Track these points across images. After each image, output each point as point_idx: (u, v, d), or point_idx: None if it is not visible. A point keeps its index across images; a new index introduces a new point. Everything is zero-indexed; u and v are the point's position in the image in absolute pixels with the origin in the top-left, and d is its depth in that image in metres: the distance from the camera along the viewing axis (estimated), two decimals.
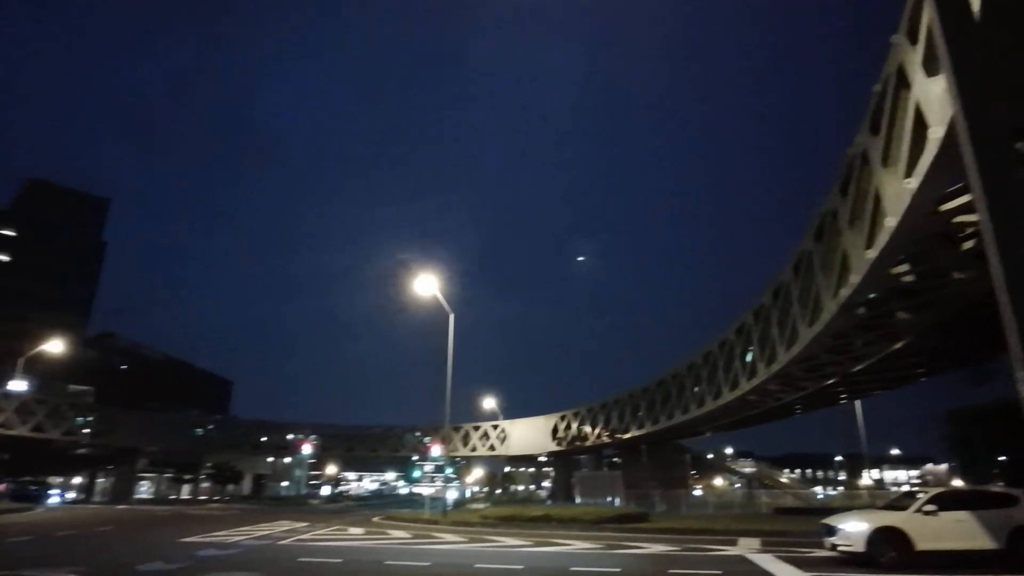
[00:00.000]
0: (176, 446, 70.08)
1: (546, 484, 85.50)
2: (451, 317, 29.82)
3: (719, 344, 34.45)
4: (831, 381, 29.24)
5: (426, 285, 28.55)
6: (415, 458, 35.22)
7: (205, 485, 75.80)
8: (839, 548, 12.28)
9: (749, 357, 30.17)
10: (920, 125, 10.83)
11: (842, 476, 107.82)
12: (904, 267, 15.82)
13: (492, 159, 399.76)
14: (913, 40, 10.96)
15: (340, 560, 12.92)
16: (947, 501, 12.15)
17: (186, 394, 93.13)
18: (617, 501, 39.73)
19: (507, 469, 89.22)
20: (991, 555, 11.32)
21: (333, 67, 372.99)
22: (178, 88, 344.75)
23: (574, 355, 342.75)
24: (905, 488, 60.83)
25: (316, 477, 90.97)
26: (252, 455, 77.78)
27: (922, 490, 14.32)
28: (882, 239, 13.61)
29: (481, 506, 43.42)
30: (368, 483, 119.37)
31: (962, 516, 11.76)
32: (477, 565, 12.46)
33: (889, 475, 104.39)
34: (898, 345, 22.20)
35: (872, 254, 14.39)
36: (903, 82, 11.78)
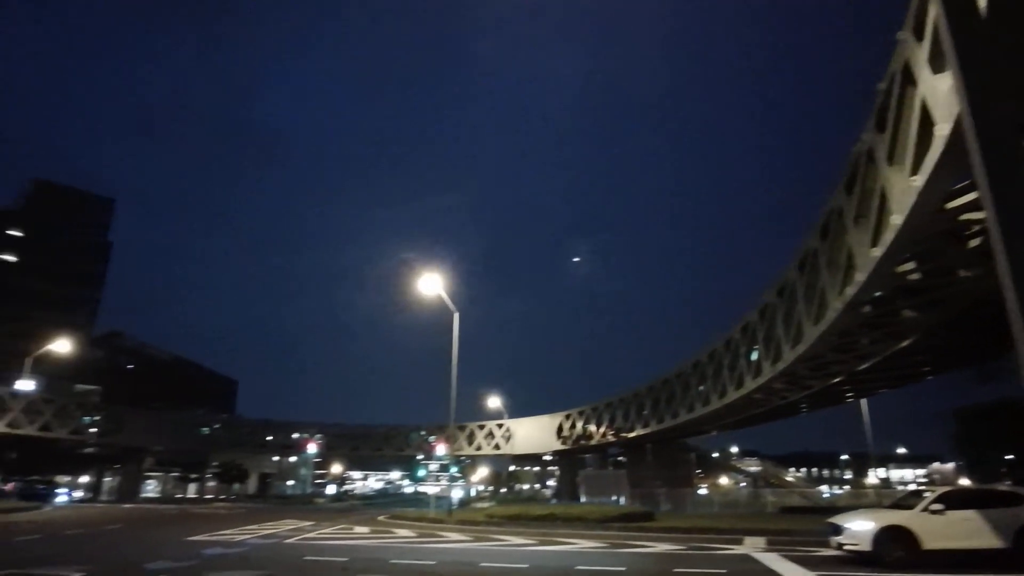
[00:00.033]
0: (182, 445, 70.35)
1: (551, 483, 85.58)
2: (456, 316, 29.86)
3: (724, 343, 34.37)
4: (837, 380, 29.13)
5: (430, 284, 28.60)
6: (420, 457, 35.30)
7: (211, 484, 76.20)
8: (845, 547, 12.24)
9: (754, 356, 30.08)
10: (926, 122, 10.77)
11: (848, 475, 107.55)
12: (910, 265, 15.73)
13: (492, 159, 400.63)
14: (919, 37, 10.90)
15: (346, 559, 12.95)
16: (954, 500, 12.11)
17: (192, 393, 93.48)
18: (622, 500, 39.71)
19: (512, 468, 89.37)
20: (998, 554, 11.27)
21: (333, 67, 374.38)
22: (180, 88, 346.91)
23: (575, 354, 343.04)
24: (912, 487, 60.62)
25: (321, 476, 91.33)
26: (258, 454, 78.05)
27: (929, 489, 14.27)
28: (888, 237, 13.55)
29: (486, 505, 43.46)
30: (373, 482, 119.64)
31: (969, 515, 11.71)
32: (483, 564, 12.47)
33: (895, 474, 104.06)
34: (904, 343, 22.09)
35: (878, 252, 14.33)
36: (909, 79, 11.72)
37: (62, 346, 46.54)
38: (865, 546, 11.81)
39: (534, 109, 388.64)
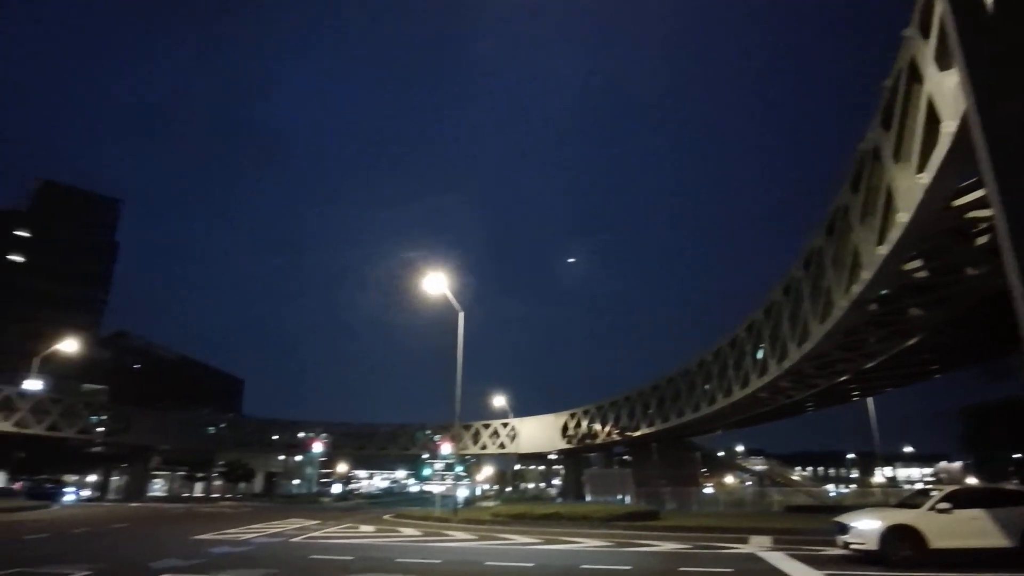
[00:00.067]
0: (189, 444, 70.64)
1: (556, 482, 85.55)
2: (460, 315, 29.87)
3: (729, 341, 34.30)
4: (843, 378, 29.03)
5: (435, 283, 28.61)
6: (425, 456, 35.34)
7: (217, 483, 76.44)
8: (852, 546, 12.21)
9: (760, 354, 30.01)
10: (932, 120, 10.72)
11: (854, 474, 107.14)
12: (917, 263, 15.66)
13: (493, 158, 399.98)
14: (925, 34, 10.84)
15: (351, 557, 12.99)
16: (961, 499, 12.06)
17: (198, 393, 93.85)
18: (627, 499, 39.74)
19: (517, 467, 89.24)
20: (1006, 553, 11.22)
21: (334, 67, 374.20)
22: (181, 88, 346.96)
23: (576, 354, 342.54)
24: (919, 486, 60.41)
25: (327, 475, 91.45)
26: (263, 453, 78.31)
27: (936, 488, 14.21)
28: (894, 235, 13.50)
29: (491, 504, 43.50)
30: (379, 481, 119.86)
31: (976, 514, 11.67)
32: (488, 563, 12.49)
33: (902, 473, 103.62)
34: (911, 342, 21.99)
35: (884, 250, 14.27)
36: (915, 76, 11.66)
37: (69, 346, 46.78)
38: (872, 545, 11.78)
39: (534, 109, 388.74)
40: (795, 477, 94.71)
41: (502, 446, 68.76)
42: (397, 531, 20.42)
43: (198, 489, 75.97)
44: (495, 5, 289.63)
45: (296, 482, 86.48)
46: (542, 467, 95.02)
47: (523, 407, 67.28)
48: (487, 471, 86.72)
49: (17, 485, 47.45)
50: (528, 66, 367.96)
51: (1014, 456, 40.35)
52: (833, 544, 13.09)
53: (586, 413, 60.29)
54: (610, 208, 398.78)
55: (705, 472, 75.93)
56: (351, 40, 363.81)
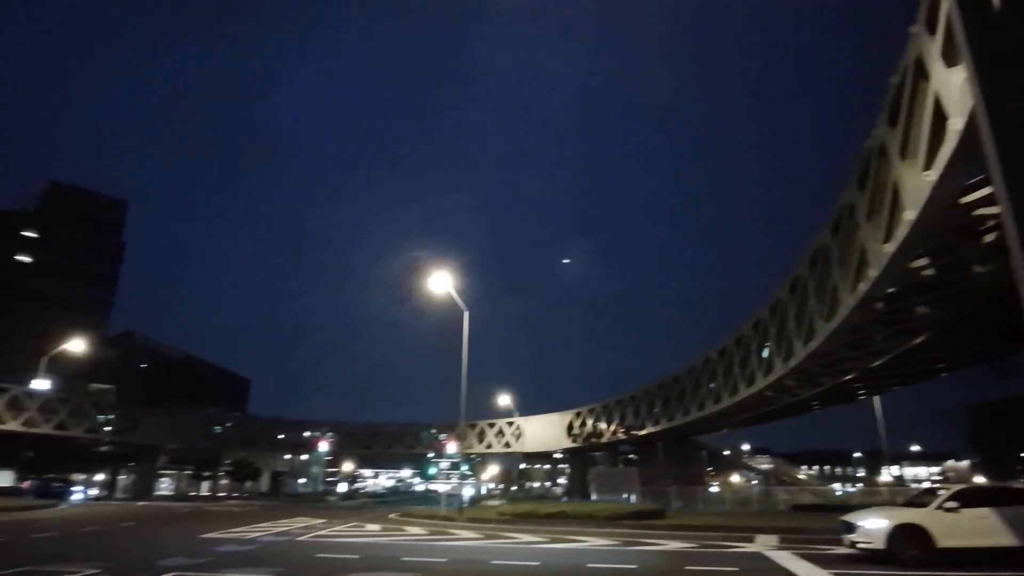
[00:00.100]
0: (195, 443, 70.97)
1: (561, 481, 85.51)
2: (466, 314, 29.89)
3: (735, 340, 34.23)
4: (849, 377, 28.93)
5: (440, 282, 28.63)
6: (431, 455, 35.42)
7: (224, 482, 76.78)
8: (859, 545, 12.16)
9: (766, 353, 29.94)
10: (939, 117, 10.67)
11: (861, 473, 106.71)
12: (923, 261, 15.59)
13: (493, 159, 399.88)
14: (932, 30, 10.79)
15: (357, 556, 13.02)
16: (969, 498, 12.00)
17: (205, 392, 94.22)
18: (633, 498, 39.67)
19: (522, 466, 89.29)
20: (1014, 552, 11.15)
21: (334, 67, 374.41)
22: (183, 89, 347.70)
23: (577, 353, 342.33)
24: (926, 485, 60.11)
25: (333, 474, 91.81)
26: (270, 452, 78.61)
27: (943, 487, 14.14)
28: (901, 233, 13.44)
29: (497, 503, 43.53)
30: (384, 480, 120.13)
31: (984, 513, 11.60)
32: (493, 561, 12.51)
33: (909, 471, 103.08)
34: (918, 340, 21.89)
35: (890, 248, 14.22)
36: (921, 73, 11.60)
37: (77, 346, 47.07)
38: (879, 544, 11.73)
39: (534, 109, 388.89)
40: (801, 476, 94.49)
41: (507, 445, 68.80)
42: (403, 530, 20.47)
43: (204, 488, 76.26)
44: (495, 5, 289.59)
45: (302, 481, 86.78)
46: (547, 466, 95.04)
47: (528, 406, 67.37)
48: (492, 470, 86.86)
49: (25, 484, 47.78)
50: (528, 66, 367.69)
51: (1022, 455, 40.09)
52: (840, 543, 13.04)
53: (591, 412, 60.27)
54: (610, 208, 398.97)
55: (711, 471, 75.82)
56: (351, 40, 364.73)
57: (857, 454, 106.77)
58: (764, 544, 15.56)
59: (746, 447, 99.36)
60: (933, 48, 10.68)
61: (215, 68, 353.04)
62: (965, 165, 10.54)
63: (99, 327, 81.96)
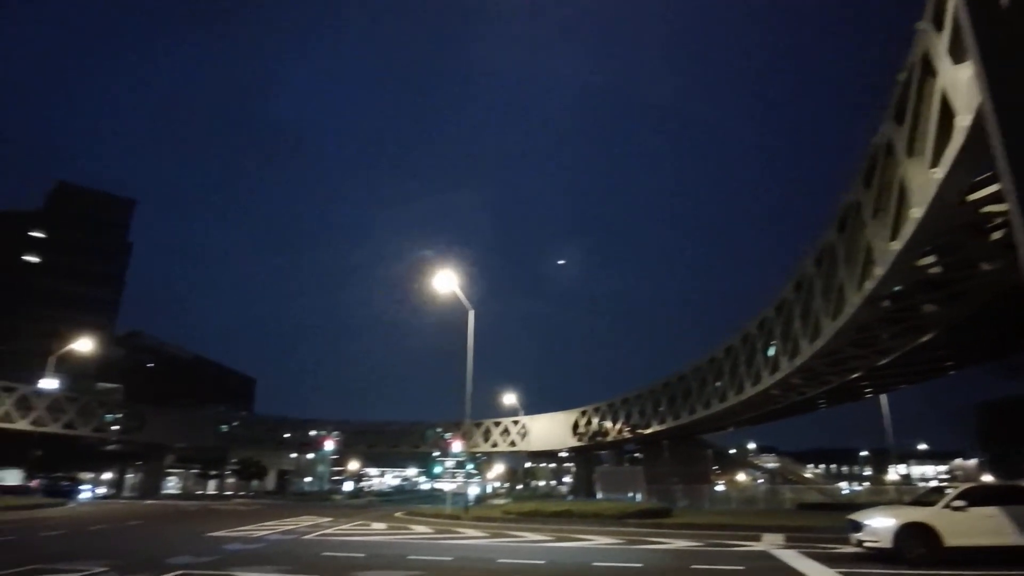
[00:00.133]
0: (202, 442, 71.26)
1: (567, 480, 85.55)
2: (471, 313, 29.90)
3: (741, 338, 34.15)
4: (856, 375, 28.83)
5: (445, 281, 28.64)
6: (436, 454, 35.48)
7: (230, 481, 77.14)
8: (865, 544, 12.13)
9: (771, 351, 29.86)
10: (946, 114, 10.61)
11: (868, 471, 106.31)
12: (930, 259, 15.51)
13: (493, 159, 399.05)
14: (939, 27, 10.73)
15: (363, 555, 13.06)
16: (977, 496, 11.94)
17: (211, 391, 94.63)
18: (639, 496, 39.68)
19: (528, 465, 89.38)
20: (1023, 551, 11.10)
21: (335, 67, 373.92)
22: (187, 89, 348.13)
23: (577, 353, 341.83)
24: (933, 483, 59.80)
25: (338, 473, 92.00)
26: (276, 451, 78.86)
27: (951, 485, 14.08)
28: (907, 230, 13.38)
29: (502, 502, 43.58)
30: (390, 479, 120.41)
31: (992, 512, 11.53)
32: (499, 560, 12.52)
33: (916, 470, 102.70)
34: (925, 338, 21.79)
35: (897, 246, 14.15)
36: (928, 70, 11.54)
37: (84, 345, 47.32)
38: (886, 543, 11.69)
39: (534, 109, 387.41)
40: (807, 475, 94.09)
41: (513, 444, 68.84)
42: (409, 528, 20.51)
43: (211, 487, 76.64)
44: (495, 5, 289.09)
45: (308, 480, 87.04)
46: (553, 465, 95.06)
47: (530, 405, 67.36)
48: (498, 469, 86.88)
49: (34, 483, 48.02)
50: (528, 66, 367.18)
51: None
52: (846, 542, 13.01)
53: (597, 411, 60.24)
54: (610, 208, 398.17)
55: (717, 469, 75.65)
56: (352, 40, 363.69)
57: (864, 452, 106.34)
58: (770, 543, 15.52)
59: (752, 446, 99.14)
60: (940, 45, 10.62)
61: (215, 68, 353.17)
62: (972, 162, 10.47)
63: (106, 327, 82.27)
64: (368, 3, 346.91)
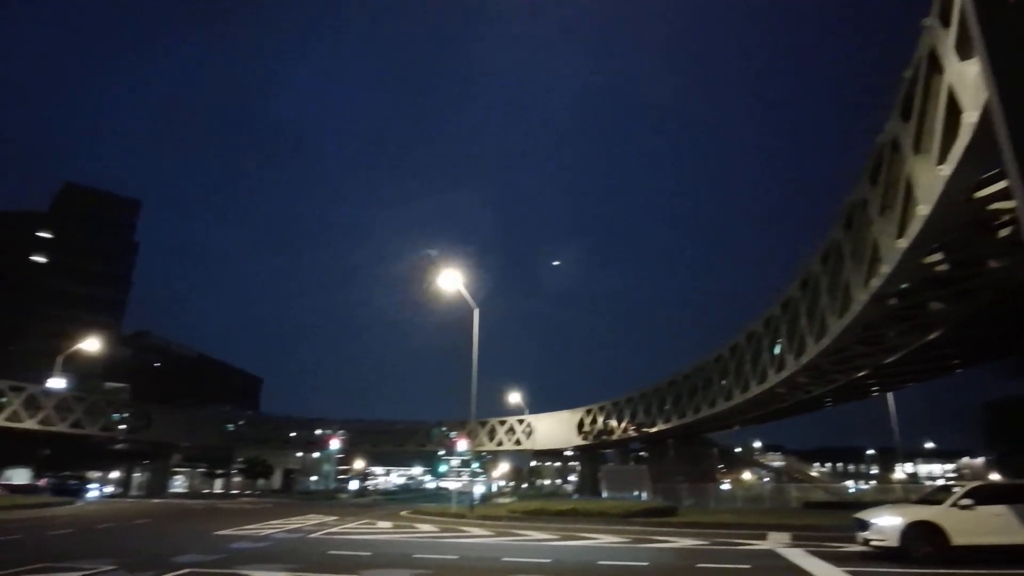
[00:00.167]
0: (209, 441, 71.59)
1: (572, 478, 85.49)
2: (475, 312, 29.90)
3: (746, 336, 34.07)
4: (862, 373, 28.75)
5: (450, 280, 28.65)
6: (441, 453, 35.52)
7: (237, 479, 77.38)
8: (872, 543, 12.08)
9: (777, 349, 29.78)
10: (953, 110, 10.55)
11: (874, 470, 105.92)
12: (937, 256, 15.45)
13: (494, 158, 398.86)
14: (945, 23, 10.67)
15: (369, 553, 13.09)
16: (984, 495, 11.87)
17: (217, 391, 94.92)
18: (644, 495, 39.59)
19: (533, 463, 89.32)
20: None
21: (335, 67, 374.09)
22: (188, 89, 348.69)
23: (576, 352, 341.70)
24: (940, 482, 59.56)
25: (344, 472, 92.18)
26: (282, 450, 79.14)
27: (958, 484, 14.01)
28: (914, 228, 13.32)
29: (507, 500, 43.59)
30: (395, 478, 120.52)
31: (1000, 510, 11.47)
32: (505, 559, 12.52)
33: (923, 469, 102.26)
34: (932, 336, 21.70)
35: (904, 243, 14.09)
36: (935, 66, 11.48)
37: (91, 345, 47.66)
38: (892, 542, 11.65)
39: (534, 109, 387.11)
40: (814, 473, 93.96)
41: (518, 442, 68.88)
42: (414, 527, 20.54)
43: (218, 485, 76.94)
44: (495, 5, 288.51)
45: (314, 478, 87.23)
46: (558, 463, 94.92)
47: (533, 404, 67.41)
48: (503, 467, 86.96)
49: (42, 482, 48.37)
50: (528, 66, 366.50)
51: None
52: (853, 541, 12.96)
53: (602, 409, 60.22)
54: (610, 208, 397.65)
55: (722, 468, 75.58)
56: (352, 40, 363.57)
57: (870, 451, 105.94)
58: (776, 541, 15.48)
59: (758, 444, 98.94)
60: (947, 41, 10.56)
61: (216, 68, 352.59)
62: (980, 159, 10.42)
63: (113, 326, 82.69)
64: (368, 3, 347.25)
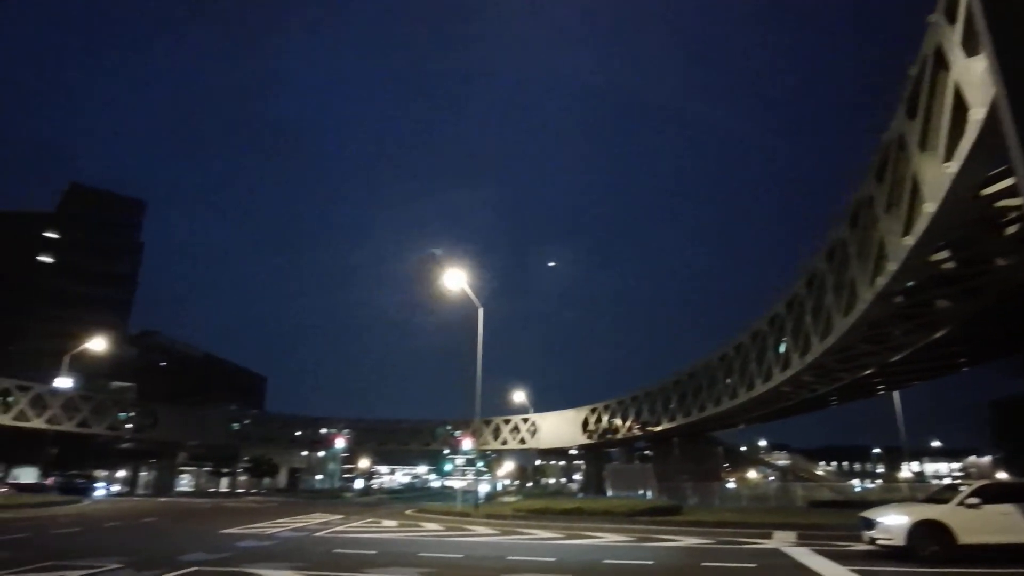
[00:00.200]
0: (214, 440, 71.81)
1: (577, 477, 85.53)
2: (480, 311, 29.91)
3: (751, 335, 33.99)
4: (868, 372, 28.62)
5: (454, 279, 28.65)
6: (446, 452, 35.53)
7: (242, 478, 77.63)
8: (878, 542, 12.04)
9: (782, 348, 29.69)
10: (960, 107, 10.50)
11: (880, 469, 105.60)
12: (944, 254, 15.37)
13: (494, 159, 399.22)
14: (951, 19, 10.61)
15: (374, 552, 13.11)
16: (991, 494, 11.83)
17: (222, 390, 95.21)
18: (649, 494, 39.60)
19: (538, 462, 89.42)
20: None
21: (335, 67, 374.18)
22: (192, 90, 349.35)
23: (575, 352, 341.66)
24: (947, 481, 59.30)
25: (349, 470, 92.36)
26: (287, 449, 79.32)
27: (965, 483, 13.95)
28: (921, 225, 13.26)
29: (512, 499, 43.61)
30: (400, 476, 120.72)
31: (1007, 509, 11.42)
32: (510, 557, 12.53)
33: (930, 468, 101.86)
34: (938, 334, 21.60)
35: (910, 241, 14.03)
36: (941, 63, 11.42)
37: (98, 344, 47.85)
38: (899, 541, 11.61)
39: (534, 109, 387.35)
40: (819, 472, 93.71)
41: (522, 441, 68.91)
42: (419, 526, 20.57)
43: (223, 484, 77.18)
44: (495, 5, 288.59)
45: (319, 477, 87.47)
46: (563, 462, 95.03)
47: (541, 403, 67.53)
48: (508, 466, 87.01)
49: (49, 480, 48.59)
50: (528, 66, 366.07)
51: None
52: (859, 540, 12.93)
53: (607, 408, 60.16)
54: (610, 208, 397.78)
55: (727, 467, 75.49)
56: (353, 40, 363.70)
57: (876, 450, 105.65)
58: (782, 540, 15.45)
59: (763, 443, 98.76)
60: (953, 37, 10.51)
61: (217, 68, 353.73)
62: (986, 156, 10.37)
63: (119, 326, 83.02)
64: (369, 3, 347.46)
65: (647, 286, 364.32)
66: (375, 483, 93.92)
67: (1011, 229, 13.81)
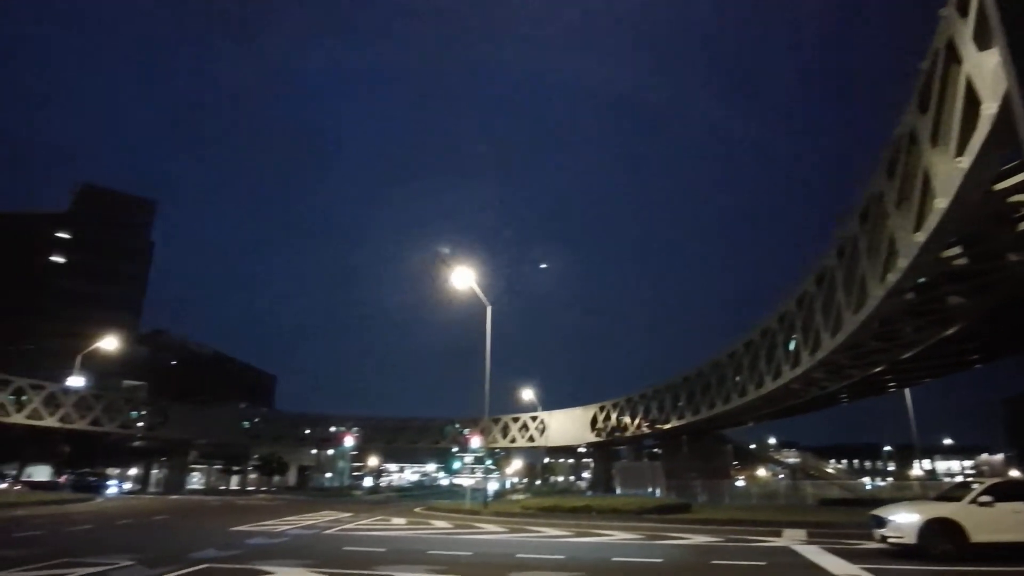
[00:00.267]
0: (225, 438, 72.29)
1: (586, 475, 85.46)
2: (488, 309, 29.93)
3: (761, 332, 33.82)
4: (879, 369, 28.40)
5: (462, 278, 28.70)
6: (455, 450, 35.63)
7: (252, 476, 78.11)
8: (889, 540, 11.97)
9: (792, 345, 29.52)
10: (972, 101, 10.39)
11: (891, 467, 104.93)
12: (956, 250, 15.24)
13: (495, 159, 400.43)
14: (963, 12, 10.50)
15: (384, 549, 13.16)
16: (1004, 492, 11.72)
17: (233, 388, 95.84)
18: (658, 492, 39.52)
19: (546, 460, 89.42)
20: None
21: (343, 70, 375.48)
22: (205, 92, 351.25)
23: (575, 352, 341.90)
24: (959, 479, 58.86)
25: (358, 468, 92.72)
26: (297, 447, 79.71)
27: (977, 481, 13.84)
28: (932, 221, 13.14)
29: (521, 497, 43.65)
30: (409, 474, 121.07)
31: (1020, 507, 11.33)
32: (519, 555, 12.54)
33: (941, 465, 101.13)
34: (950, 331, 21.40)
35: (921, 237, 13.91)
36: (953, 57, 11.31)
37: (109, 344, 48.32)
38: (910, 539, 11.53)
39: (535, 110, 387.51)
40: (829, 470, 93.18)
41: (531, 439, 68.93)
42: (428, 523, 20.63)
43: (234, 482, 77.75)
44: (500, 9, 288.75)
45: (328, 475, 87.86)
46: (571, 460, 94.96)
47: (550, 401, 67.48)
48: (516, 464, 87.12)
49: (62, 478, 49.10)
50: (529, 66, 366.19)
51: None
52: (870, 538, 12.85)
53: (615, 406, 60.07)
54: (610, 208, 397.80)
55: (736, 465, 75.19)
56: (356, 41, 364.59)
57: (887, 448, 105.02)
58: (792, 538, 15.38)
59: (772, 441, 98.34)
60: (965, 31, 10.40)
61: (220, 70, 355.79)
62: (999, 151, 10.27)
63: (130, 325, 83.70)
64: (374, 6, 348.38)
65: (647, 286, 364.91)
66: (384, 481, 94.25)
67: (1023, 225, 13.67)
